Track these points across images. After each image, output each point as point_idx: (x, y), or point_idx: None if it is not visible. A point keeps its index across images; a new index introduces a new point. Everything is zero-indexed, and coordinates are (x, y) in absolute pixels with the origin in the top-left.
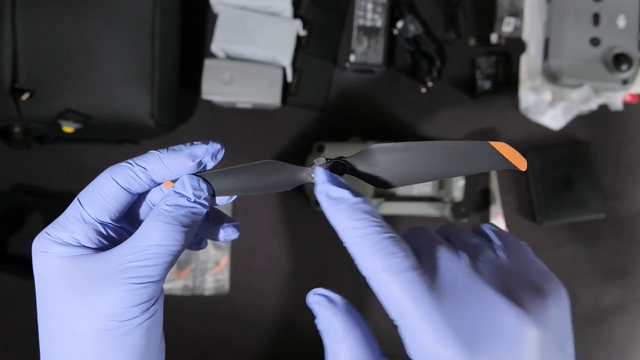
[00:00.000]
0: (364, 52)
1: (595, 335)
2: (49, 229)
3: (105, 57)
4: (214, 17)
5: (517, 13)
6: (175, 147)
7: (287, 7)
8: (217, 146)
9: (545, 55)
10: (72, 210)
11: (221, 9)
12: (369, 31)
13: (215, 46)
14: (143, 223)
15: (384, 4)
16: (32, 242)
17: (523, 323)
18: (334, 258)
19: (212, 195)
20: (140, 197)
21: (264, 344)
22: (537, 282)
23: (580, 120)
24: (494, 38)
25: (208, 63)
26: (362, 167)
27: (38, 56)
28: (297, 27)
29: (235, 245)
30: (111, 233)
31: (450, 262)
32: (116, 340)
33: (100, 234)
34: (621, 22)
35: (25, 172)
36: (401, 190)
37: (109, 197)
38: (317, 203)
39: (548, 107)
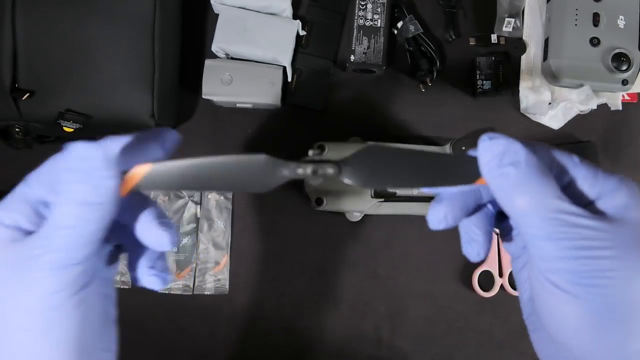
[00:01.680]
0: (364, 52)
1: None
2: None
3: (105, 57)
4: (214, 17)
5: (517, 13)
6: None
7: (287, 7)
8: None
9: (545, 55)
10: (19, 190)
11: (221, 9)
12: (369, 31)
13: (215, 46)
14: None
15: (384, 4)
16: None
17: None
18: (334, 258)
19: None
20: None
21: (264, 344)
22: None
23: (580, 120)
24: (494, 38)
25: (208, 63)
26: (351, 170)
27: (38, 56)
28: (297, 27)
29: (235, 245)
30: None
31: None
32: (43, 327)
33: (40, 215)
34: (621, 22)
35: (25, 172)
36: (401, 190)
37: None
38: (317, 203)
39: (548, 107)
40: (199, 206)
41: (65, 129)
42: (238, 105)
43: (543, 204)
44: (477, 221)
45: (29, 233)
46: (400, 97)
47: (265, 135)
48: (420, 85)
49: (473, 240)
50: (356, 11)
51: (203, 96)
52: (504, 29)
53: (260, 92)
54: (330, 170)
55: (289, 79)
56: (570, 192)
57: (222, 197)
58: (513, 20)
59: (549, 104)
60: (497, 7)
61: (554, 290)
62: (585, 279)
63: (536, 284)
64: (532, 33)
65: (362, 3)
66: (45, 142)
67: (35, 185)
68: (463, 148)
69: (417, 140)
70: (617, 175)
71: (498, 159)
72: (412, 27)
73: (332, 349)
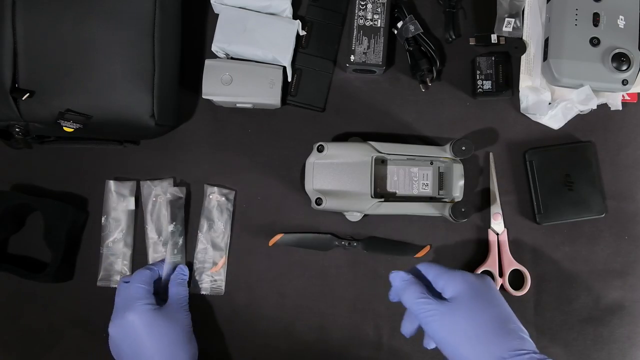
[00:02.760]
0: (364, 52)
1: (595, 335)
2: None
3: (105, 57)
4: (214, 17)
5: (517, 13)
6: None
7: (287, 7)
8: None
9: (545, 55)
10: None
11: (221, 9)
12: (369, 31)
13: (215, 46)
14: (172, 287)
15: (384, 4)
16: (32, 242)
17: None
18: (334, 258)
19: None
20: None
21: (263, 344)
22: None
23: (580, 120)
24: (494, 38)
25: (208, 63)
26: (365, 245)
27: (38, 56)
28: (297, 27)
29: (235, 246)
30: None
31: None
32: (190, 334)
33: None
34: (621, 22)
35: (25, 172)
36: (401, 190)
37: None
38: (317, 203)
39: (548, 107)
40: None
41: (65, 129)
42: (238, 105)
43: (412, 298)
44: (409, 324)
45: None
46: (400, 97)
47: (265, 135)
48: (420, 85)
49: (406, 323)
50: (356, 11)
51: (203, 96)
52: (504, 29)
53: (260, 92)
54: (355, 244)
55: (289, 79)
56: (434, 284)
57: (223, 198)
58: (513, 20)
59: (549, 104)
60: (497, 7)
61: (437, 341)
62: (443, 330)
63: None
64: (532, 33)
65: (362, 3)
66: (45, 142)
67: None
68: (463, 148)
69: (417, 140)
70: (452, 272)
71: (396, 283)
72: (412, 27)
73: (332, 349)
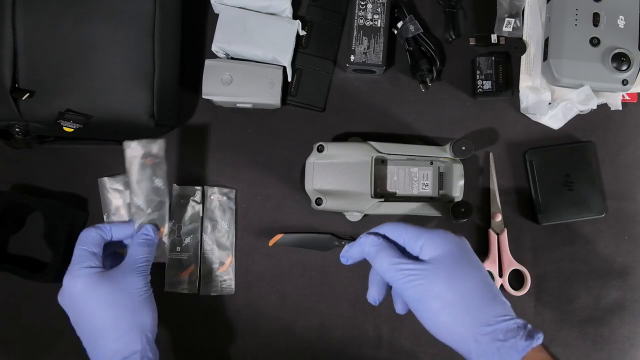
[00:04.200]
0: (364, 52)
1: (595, 335)
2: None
3: (105, 57)
4: (214, 17)
5: (517, 13)
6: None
7: (287, 7)
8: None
9: (545, 55)
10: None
11: (221, 9)
12: (369, 31)
13: (215, 46)
14: (130, 248)
15: (384, 4)
16: (32, 242)
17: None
18: (334, 258)
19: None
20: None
21: (263, 344)
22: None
23: (580, 120)
24: (494, 38)
25: (208, 63)
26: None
27: (38, 56)
28: (297, 27)
29: (238, 245)
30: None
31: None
32: (141, 300)
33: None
34: (621, 22)
35: (25, 172)
36: (401, 190)
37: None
38: (317, 203)
39: (548, 107)
40: (200, 205)
41: (65, 129)
42: (238, 105)
43: (386, 263)
44: (373, 280)
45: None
46: (400, 97)
47: (265, 135)
48: (420, 85)
49: (371, 287)
50: (356, 11)
51: (203, 96)
52: (504, 29)
53: (260, 92)
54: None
55: (289, 79)
56: (408, 248)
57: (224, 198)
58: (513, 20)
59: (549, 104)
60: (497, 7)
61: (414, 309)
62: (421, 296)
63: (414, 312)
64: (532, 33)
65: (362, 3)
66: (45, 142)
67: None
68: (463, 148)
69: (417, 140)
70: (429, 232)
71: (366, 249)
72: (412, 27)
73: (333, 349)
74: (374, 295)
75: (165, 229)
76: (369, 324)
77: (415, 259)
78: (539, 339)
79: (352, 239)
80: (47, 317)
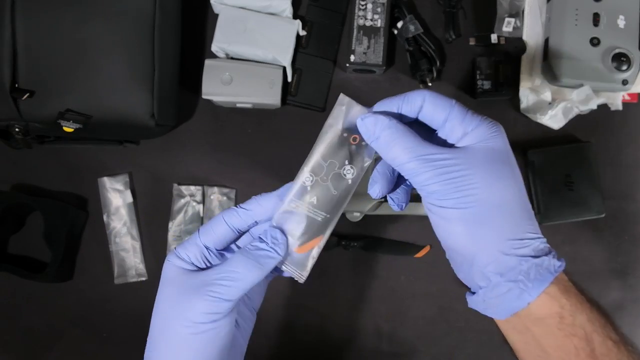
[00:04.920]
0: (364, 52)
1: None
2: (178, 247)
3: (105, 57)
4: (214, 17)
5: (517, 13)
6: (266, 193)
7: (287, 7)
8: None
9: (545, 55)
10: (192, 236)
11: (221, 9)
12: (369, 31)
13: (215, 46)
14: (232, 255)
15: (383, 4)
16: (32, 242)
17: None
18: (334, 258)
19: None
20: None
21: (264, 344)
22: None
23: (580, 120)
24: (494, 38)
25: (208, 63)
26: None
27: (38, 56)
28: (297, 27)
29: None
30: (215, 258)
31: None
32: (190, 337)
33: (204, 257)
34: (621, 22)
35: (25, 172)
36: None
37: (217, 232)
38: None
39: (548, 107)
40: (201, 205)
41: (65, 129)
42: (238, 105)
43: (408, 151)
44: (381, 174)
45: (197, 268)
46: None
47: (265, 135)
48: (420, 85)
49: (375, 182)
50: (356, 11)
51: (203, 96)
52: (504, 29)
53: (260, 92)
54: (355, 244)
55: (289, 79)
56: (445, 130)
57: (224, 198)
58: (513, 20)
59: (549, 104)
60: (497, 7)
61: (435, 210)
62: (452, 193)
63: (428, 213)
64: (532, 33)
65: (362, 3)
66: (45, 142)
67: (202, 234)
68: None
69: None
70: (481, 116)
71: (372, 131)
72: (412, 27)
73: (333, 348)
74: (376, 190)
75: (323, 240)
76: (369, 324)
77: (442, 144)
78: (564, 263)
79: (353, 239)
80: (47, 317)
